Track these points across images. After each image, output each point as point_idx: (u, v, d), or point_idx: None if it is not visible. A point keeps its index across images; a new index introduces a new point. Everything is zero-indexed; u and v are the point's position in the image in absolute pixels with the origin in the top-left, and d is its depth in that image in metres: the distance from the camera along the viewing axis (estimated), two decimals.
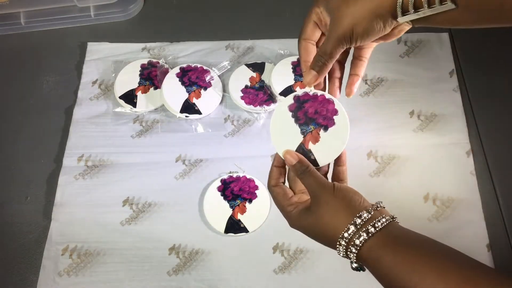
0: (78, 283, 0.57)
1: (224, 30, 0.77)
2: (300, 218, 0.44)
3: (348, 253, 0.40)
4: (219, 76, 0.71)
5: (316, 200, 0.43)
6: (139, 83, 0.71)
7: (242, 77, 0.71)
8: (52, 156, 0.66)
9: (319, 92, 0.48)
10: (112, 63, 0.73)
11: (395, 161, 0.64)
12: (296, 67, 0.71)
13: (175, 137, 0.67)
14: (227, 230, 0.60)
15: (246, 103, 0.68)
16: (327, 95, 0.48)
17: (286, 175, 0.48)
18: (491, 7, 0.37)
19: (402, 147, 0.65)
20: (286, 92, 0.68)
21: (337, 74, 0.50)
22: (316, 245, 0.59)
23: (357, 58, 0.50)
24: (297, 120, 0.48)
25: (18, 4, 0.75)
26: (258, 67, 0.72)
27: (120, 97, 0.69)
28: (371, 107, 0.68)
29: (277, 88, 0.68)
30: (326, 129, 0.47)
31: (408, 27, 0.44)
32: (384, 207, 0.42)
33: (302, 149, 0.47)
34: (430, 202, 0.61)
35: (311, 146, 0.47)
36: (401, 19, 0.41)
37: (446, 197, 0.61)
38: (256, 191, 0.62)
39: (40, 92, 0.72)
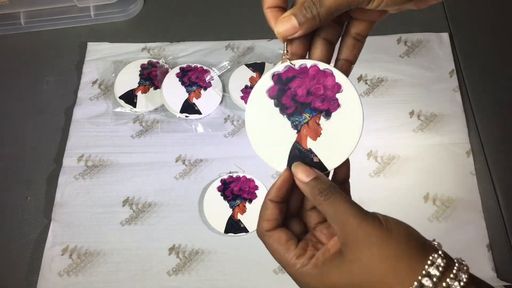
0: (78, 283, 0.57)
1: (224, 30, 0.77)
2: (324, 273, 0.28)
3: None
4: (219, 76, 0.71)
5: (354, 238, 0.27)
6: (139, 83, 0.71)
7: (242, 77, 0.71)
8: (52, 156, 0.66)
9: (309, 63, 0.32)
10: (112, 63, 0.73)
11: (395, 161, 0.64)
12: None
13: (175, 137, 0.67)
14: (227, 230, 0.60)
15: (246, 103, 0.68)
16: (322, 65, 0.32)
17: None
18: None
19: (402, 147, 0.65)
20: None
21: (332, 37, 0.33)
22: None
23: (353, 37, 0.34)
24: (283, 109, 0.33)
25: (18, 4, 0.75)
26: (258, 67, 0.72)
27: (120, 97, 0.69)
28: (371, 107, 0.68)
29: None
30: (328, 114, 0.33)
31: None
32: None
33: (298, 150, 0.33)
34: (430, 202, 0.61)
35: (310, 143, 0.33)
36: None
37: (446, 197, 0.61)
38: (256, 191, 0.62)
39: (40, 92, 0.72)
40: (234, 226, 0.60)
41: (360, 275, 0.26)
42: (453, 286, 0.24)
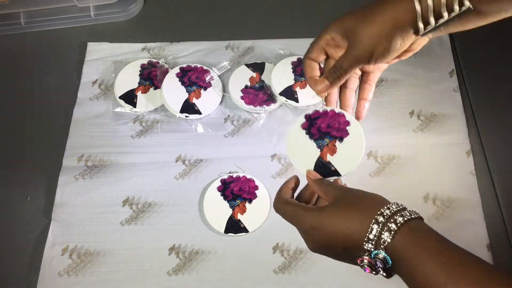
0: (78, 283, 0.57)
1: (224, 30, 0.77)
2: (320, 214, 0.41)
3: (377, 253, 0.37)
4: (219, 76, 0.71)
5: (333, 202, 0.41)
6: (139, 83, 0.71)
7: (242, 77, 0.71)
8: (52, 156, 0.66)
9: (329, 108, 0.49)
10: (112, 63, 0.73)
11: (395, 161, 0.64)
12: (296, 67, 0.71)
13: (175, 137, 0.67)
14: (227, 230, 0.60)
15: (246, 103, 0.68)
16: (337, 110, 0.49)
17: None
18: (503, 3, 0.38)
19: (402, 147, 0.65)
20: (286, 92, 0.68)
21: (354, 86, 0.51)
22: None
23: (365, 82, 0.51)
24: (311, 136, 0.49)
25: (18, 4, 0.75)
26: (258, 67, 0.72)
27: (120, 97, 0.69)
28: (371, 107, 0.68)
29: (277, 88, 0.68)
30: (341, 140, 0.49)
31: (426, 40, 0.44)
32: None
33: (321, 162, 0.48)
34: (430, 202, 0.61)
35: (329, 158, 0.49)
36: (422, 33, 0.41)
37: (446, 197, 0.61)
38: (256, 191, 0.62)
39: (40, 92, 0.72)
40: (234, 226, 0.60)
41: (339, 211, 0.40)
42: (397, 221, 0.37)
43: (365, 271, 0.38)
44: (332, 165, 0.48)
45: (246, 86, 0.70)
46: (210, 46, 0.75)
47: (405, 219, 0.37)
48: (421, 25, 0.40)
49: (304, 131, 0.50)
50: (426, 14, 0.40)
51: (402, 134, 0.66)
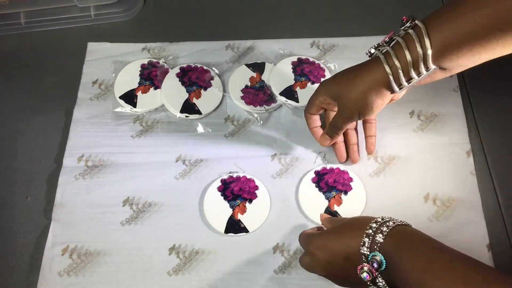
0: (78, 283, 0.57)
1: (224, 30, 0.77)
2: (324, 234, 0.50)
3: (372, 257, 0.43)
4: (219, 76, 0.71)
5: (337, 223, 0.51)
6: (139, 83, 0.71)
7: (242, 77, 0.71)
8: (52, 156, 0.66)
9: (334, 166, 0.63)
10: (112, 63, 0.73)
11: (395, 161, 0.64)
12: (296, 67, 0.71)
13: (175, 137, 0.67)
14: (227, 230, 0.60)
15: (246, 103, 0.68)
16: (342, 167, 0.62)
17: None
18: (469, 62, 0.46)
19: (402, 147, 0.65)
20: (286, 92, 0.68)
21: (354, 140, 0.63)
22: None
23: (367, 122, 0.62)
24: (320, 189, 0.61)
25: (18, 4, 0.75)
26: (258, 67, 0.72)
27: (120, 97, 0.69)
28: None
29: (277, 88, 0.69)
30: (346, 193, 0.61)
31: (406, 89, 0.50)
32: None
33: (329, 211, 0.60)
34: (430, 202, 0.61)
35: (336, 208, 0.60)
36: (397, 92, 0.49)
37: (446, 197, 0.61)
38: (256, 191, 0.62)
39: (40, 92, 0.72)
40: (234, 226, 0.60)
41: (339, 227, 0.48)
42: (382, 230, 0.42)
43: (365, 279, 0.42)
44: (339, 214, 0.59)
45: (246, 86, 0.70)
46: (210, 46, 0.75)
47: (394, 224, 0.43)
48: (395, 87, 0.48)
49: (314, 185, 0.61)
50: (397, 77, 0.47)
51: (402, 134, 0.66)
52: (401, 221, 0.44)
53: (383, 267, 0.41)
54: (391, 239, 0.42)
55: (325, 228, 0.55)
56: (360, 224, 0.45)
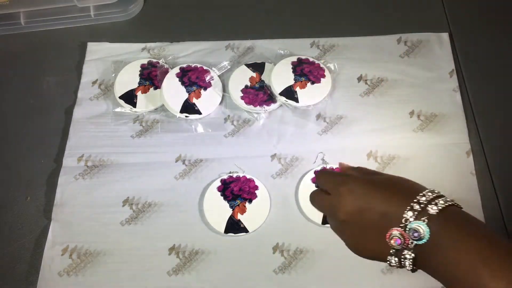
0: (78, 283, 0.57)
1: (224, 30, 0.77)
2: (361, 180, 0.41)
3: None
4: (219, 76, 0.71)
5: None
6: (139, 83, 0.71)
7: (242, 77, 0.71)
8: (52, 156, 0.66)
9: (334, 166, 0.62)
10: (112, 63, 0.73)
11: (395, 161, 0.64)
12: (296, 67, 0.71)
13: (175, 137, 0.67)
14: (227, 230, 0.60)
15: (246, 103, 0.68)
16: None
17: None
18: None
19: (402, 147, 0.65)
20: (286, 92, 0.68)
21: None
22: (316, 245, 0.58)
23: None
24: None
25: (18, 4, 0.75)
26: (258, 67, 0.72)
27: (120, 97, 0.69)
28: (371, 107, 0.68)
29: (277, 88, 0.68)
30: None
31: None
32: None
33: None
34: None
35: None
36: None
37: None
38: (256, 191, 0.62)
39: (40, 92, 0.72)
40: (234, 226, 0.60)
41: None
42: (432, 209, 0.36)
43: (395, 243, 0.37)
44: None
45: (246, 86, 0.70)
46: (210, 46, 0.75)
47: (450, 201, 0.37)
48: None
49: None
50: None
51: (402, 134, 0.66)
52: (452, 200, 0.38)
53: (424, 241, 0.36)
54: (443, 215, 0.36)
55: (346, 174, 0.45)
56: (409, 186, 0.40)
